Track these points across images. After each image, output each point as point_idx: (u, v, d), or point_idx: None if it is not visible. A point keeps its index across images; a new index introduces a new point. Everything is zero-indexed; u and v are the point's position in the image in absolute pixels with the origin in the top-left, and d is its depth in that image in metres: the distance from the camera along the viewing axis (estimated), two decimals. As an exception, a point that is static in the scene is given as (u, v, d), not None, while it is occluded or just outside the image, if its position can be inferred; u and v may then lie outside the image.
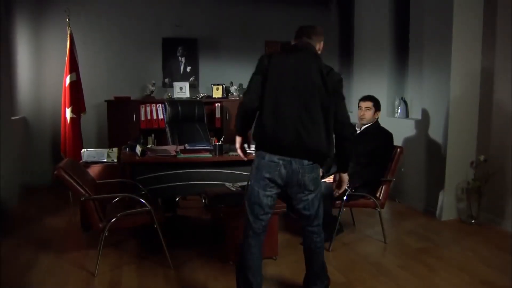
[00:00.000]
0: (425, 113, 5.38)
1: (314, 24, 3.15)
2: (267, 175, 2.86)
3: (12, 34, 5.95)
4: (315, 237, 3.08)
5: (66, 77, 6.03)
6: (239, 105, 3.02)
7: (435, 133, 5.24)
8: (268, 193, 2.90)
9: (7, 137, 5.27)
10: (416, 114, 5.85)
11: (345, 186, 3.22)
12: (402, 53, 6.17)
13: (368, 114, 4.45)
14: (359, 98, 4.62)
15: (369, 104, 4.47)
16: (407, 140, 5.61)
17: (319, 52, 3.04)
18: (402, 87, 6.22)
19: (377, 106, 4.47)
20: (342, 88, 2.95)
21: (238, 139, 3.16)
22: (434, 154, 5.26)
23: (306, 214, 3.02)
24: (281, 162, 2.83)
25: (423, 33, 5.43)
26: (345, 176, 3.17)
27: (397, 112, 6.06)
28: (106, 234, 3.59)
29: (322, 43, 3.08)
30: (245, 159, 3.22)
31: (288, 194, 3.00)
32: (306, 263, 3.19)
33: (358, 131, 4.52)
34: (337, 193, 3.33)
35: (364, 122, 4.48)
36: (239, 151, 3.19)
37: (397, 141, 4.56)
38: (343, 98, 2.96)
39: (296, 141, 2.81)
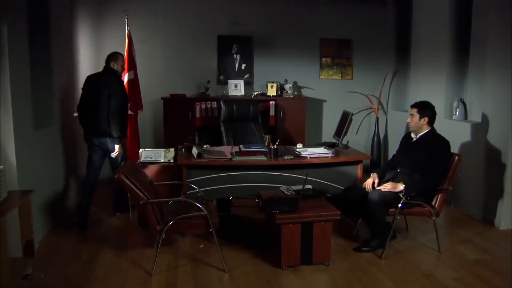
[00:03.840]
0: (485, 116, 5.20)
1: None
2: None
3: (74, 35, 6.17)
4: None
5: (124, 75, 6.19)
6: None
7: (495, 137, 5.06)
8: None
9: (68, 134, 5.51)
10: (475, 116, 5.66)
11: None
12: (462, 52, 5.95)
13: (412, 121, 4.34)
14: (415, 100, 4.52)
15: (413, 111, 4.35)
16: (464, 144, 5.45)
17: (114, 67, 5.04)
18: (461, 88, 6.01)
19: (422, 112, 4.30)
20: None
21: None
22: (493, 159, 5.07)
23: None
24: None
25: (486, 32, 5.21)
26: None
27: (455, 114, 5.88)
28: (163, 237, 3.71)
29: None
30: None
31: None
32: None
33: (414, 139, 4.43)
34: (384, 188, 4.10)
35: (411, 129, 4.41)
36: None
37: (454, 144, 4.41)
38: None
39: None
